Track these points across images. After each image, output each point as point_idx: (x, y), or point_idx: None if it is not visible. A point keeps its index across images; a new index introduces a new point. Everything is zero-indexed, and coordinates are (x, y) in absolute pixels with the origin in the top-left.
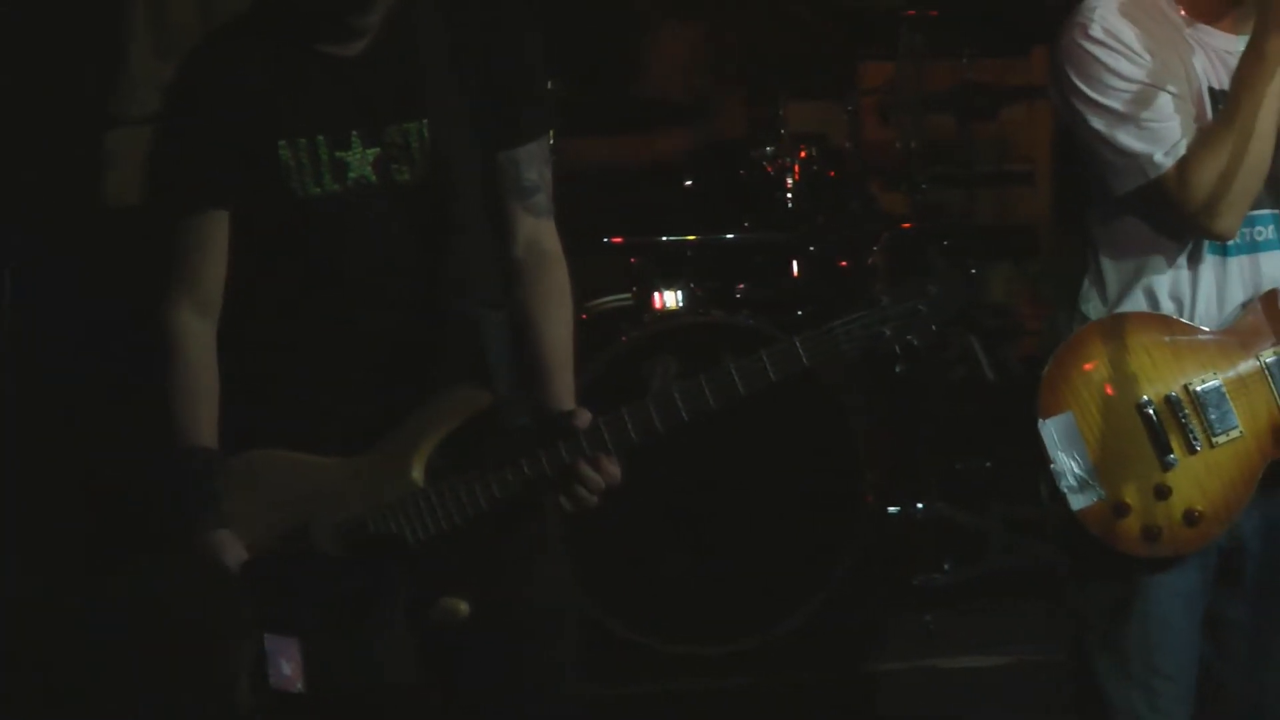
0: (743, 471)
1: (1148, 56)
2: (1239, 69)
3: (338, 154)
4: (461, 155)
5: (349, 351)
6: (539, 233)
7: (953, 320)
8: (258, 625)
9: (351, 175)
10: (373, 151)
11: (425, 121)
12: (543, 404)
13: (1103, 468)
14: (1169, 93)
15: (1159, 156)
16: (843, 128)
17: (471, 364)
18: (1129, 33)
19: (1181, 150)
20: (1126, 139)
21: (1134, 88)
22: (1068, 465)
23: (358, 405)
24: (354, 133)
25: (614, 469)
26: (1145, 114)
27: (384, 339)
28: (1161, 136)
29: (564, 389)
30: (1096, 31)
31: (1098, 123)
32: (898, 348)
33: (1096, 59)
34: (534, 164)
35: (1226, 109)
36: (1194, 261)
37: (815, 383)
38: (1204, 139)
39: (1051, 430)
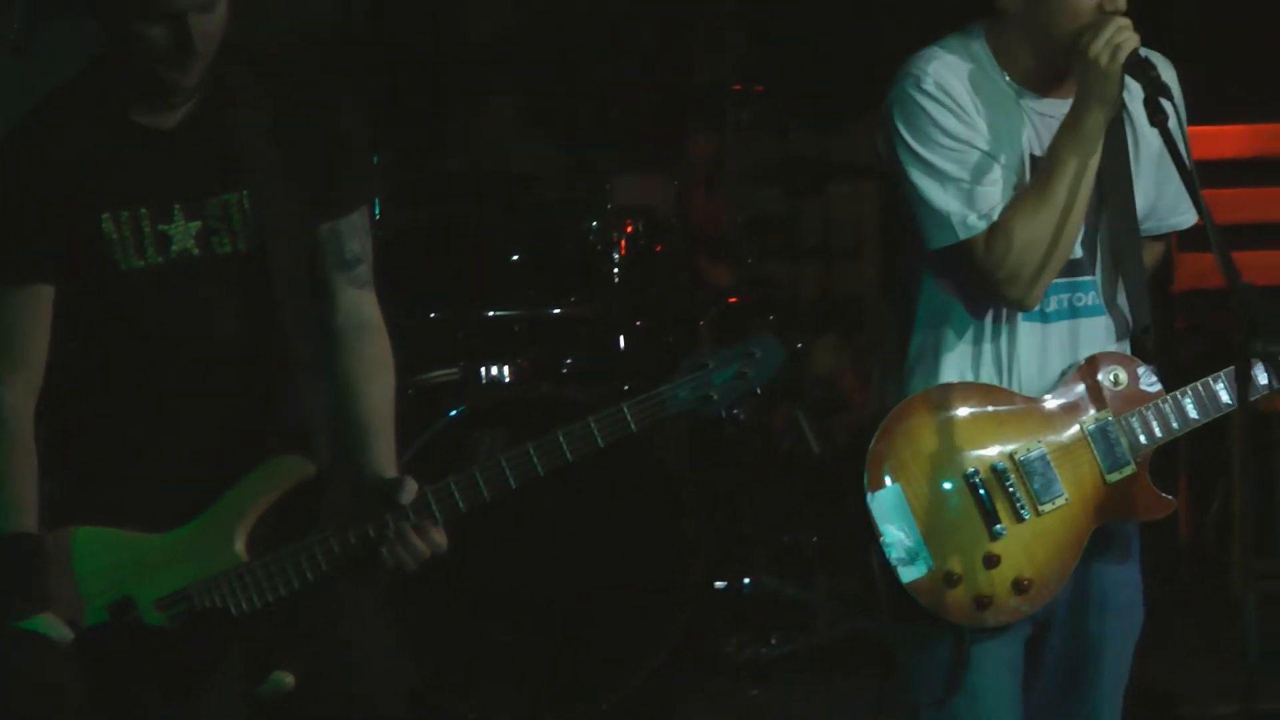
0: (570, 545)
1: (976, 118)
2: (1056, 139)
3: (160, 227)
4: (282, 226)
5: (172, 424)
6: (360, 303)
7: (773, 382)
8: (88, 703)
9: (174, 248)
10: (195, 224)
11: (245, 193)
12: (364, 470)
13: (931, 539)
14: (992, 157)
15: (972, 219)
16: (670, 201)
17: (295, 432)
18: (961, 91)
19: (995, 216)
20: (943, 196)
21: (959, 146)
22: (897, 537)
23: (181, 478)
24: (176, 205)
25: (439, 538)
26: (966, 174)
27: (207, 411)
28: (978, 199)
29: (385, 454)
30: (929, 85)
31: (918, 175)
32: (724, 412)
33: (925, 112)
34: (356, 235)
35: (1040, 179)
36: (1011, 328)
37: (644, 456)
38: (1015, 206)
39: (880, 503)
